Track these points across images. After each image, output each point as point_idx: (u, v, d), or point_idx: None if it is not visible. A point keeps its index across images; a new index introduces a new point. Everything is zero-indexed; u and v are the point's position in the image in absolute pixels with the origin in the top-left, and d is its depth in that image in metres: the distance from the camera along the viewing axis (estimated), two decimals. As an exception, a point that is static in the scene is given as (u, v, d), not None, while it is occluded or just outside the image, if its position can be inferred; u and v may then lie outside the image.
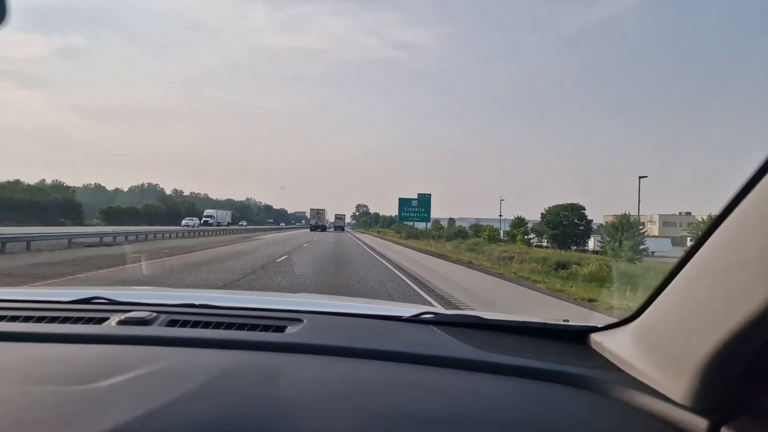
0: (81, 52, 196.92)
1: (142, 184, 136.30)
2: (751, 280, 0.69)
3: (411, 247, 33.12)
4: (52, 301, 1.52)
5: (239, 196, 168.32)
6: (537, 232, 54.59)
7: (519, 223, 53.36)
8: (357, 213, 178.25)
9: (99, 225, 52.45)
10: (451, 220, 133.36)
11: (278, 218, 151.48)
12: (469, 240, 42.57)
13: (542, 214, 56.75)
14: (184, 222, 61.99)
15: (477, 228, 54.53)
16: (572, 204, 52.11)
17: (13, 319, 1.32)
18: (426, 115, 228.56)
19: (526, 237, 50.94)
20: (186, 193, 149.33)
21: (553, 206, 54.84)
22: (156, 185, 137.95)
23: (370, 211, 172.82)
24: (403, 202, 52.96)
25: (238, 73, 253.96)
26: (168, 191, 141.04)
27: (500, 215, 65.60)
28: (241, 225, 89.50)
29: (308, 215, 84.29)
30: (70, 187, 64.63)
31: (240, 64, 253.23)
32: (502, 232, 57.46)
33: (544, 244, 48.61)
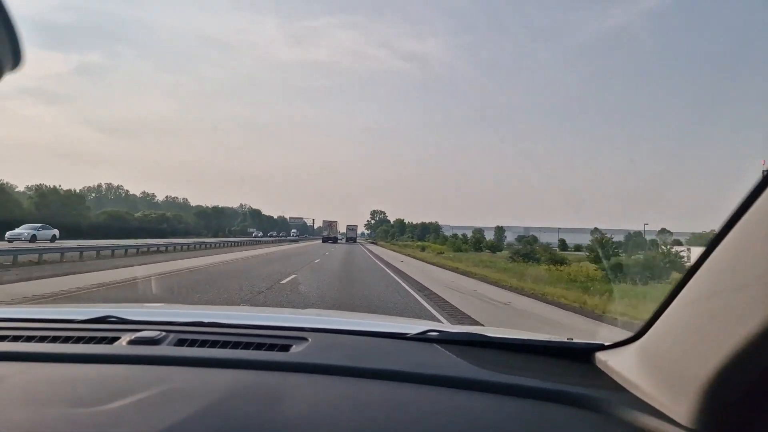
0: (98, 69, 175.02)
1: (99, 185, 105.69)
2: (746, 304, 0.68)
3: None
4: (67, 320, 1.56)
5: (233, 203, 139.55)
6: None
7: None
8: (372, 221, 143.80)
9: None
10: (500, 228, 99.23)
11: (271, 227, 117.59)
12: None
13: None
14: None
15: None
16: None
17: (29, 339, 1.34)
18: (438, 124, 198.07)
19: None
20: (160, 198, 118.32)
21: None
22: (119, 186, 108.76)
23: (388, 218, 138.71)
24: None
25: (249, 85, 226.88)
26: (138, 195, 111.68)
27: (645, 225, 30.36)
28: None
29: (304, 222, 78.97)
30: None
31: (251, 77, 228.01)
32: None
33: None
